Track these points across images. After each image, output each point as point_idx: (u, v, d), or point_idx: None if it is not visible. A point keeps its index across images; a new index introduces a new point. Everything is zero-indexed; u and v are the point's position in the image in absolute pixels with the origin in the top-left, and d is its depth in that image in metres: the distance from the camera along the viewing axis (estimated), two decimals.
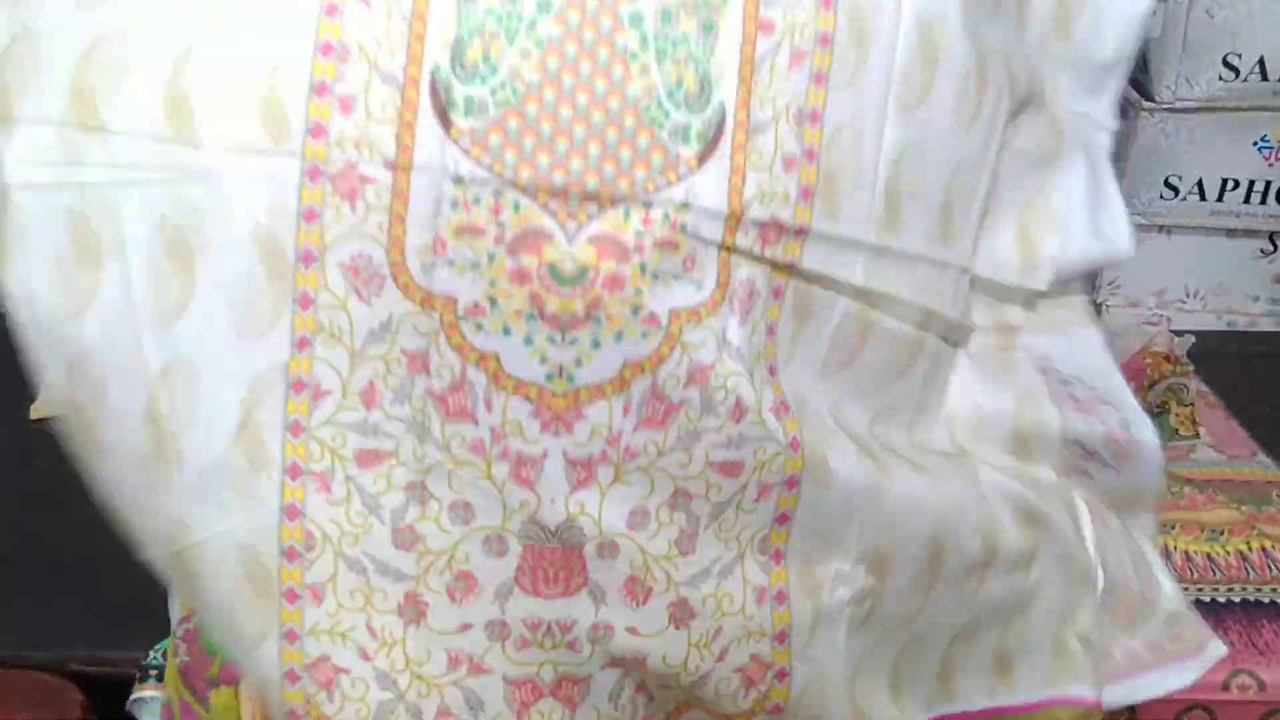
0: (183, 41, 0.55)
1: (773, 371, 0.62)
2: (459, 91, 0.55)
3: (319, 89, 0.55)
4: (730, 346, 0.60)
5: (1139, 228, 1.66)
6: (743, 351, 0.60)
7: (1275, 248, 1.63)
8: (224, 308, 0.56)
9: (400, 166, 0.55)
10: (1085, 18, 0.74)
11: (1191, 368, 1.19)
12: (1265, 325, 1.67)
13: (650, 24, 0.56)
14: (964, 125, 0.66)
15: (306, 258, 0.56)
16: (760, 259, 0.60)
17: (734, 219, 0.58)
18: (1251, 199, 1.57)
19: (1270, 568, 0.90)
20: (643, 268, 0.57)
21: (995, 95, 0.67)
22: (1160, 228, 1.64)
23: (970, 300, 0.77)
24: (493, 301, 0.57)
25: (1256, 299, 1.67)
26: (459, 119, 0.55)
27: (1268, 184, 1.55)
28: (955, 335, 0.75)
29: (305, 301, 0.57)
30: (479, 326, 0.57)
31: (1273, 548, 0.93)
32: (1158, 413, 1.13)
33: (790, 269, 0.61)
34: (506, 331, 0.57)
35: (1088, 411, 0.79)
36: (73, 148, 0.54)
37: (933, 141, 0.64)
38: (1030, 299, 0.80)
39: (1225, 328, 1.67)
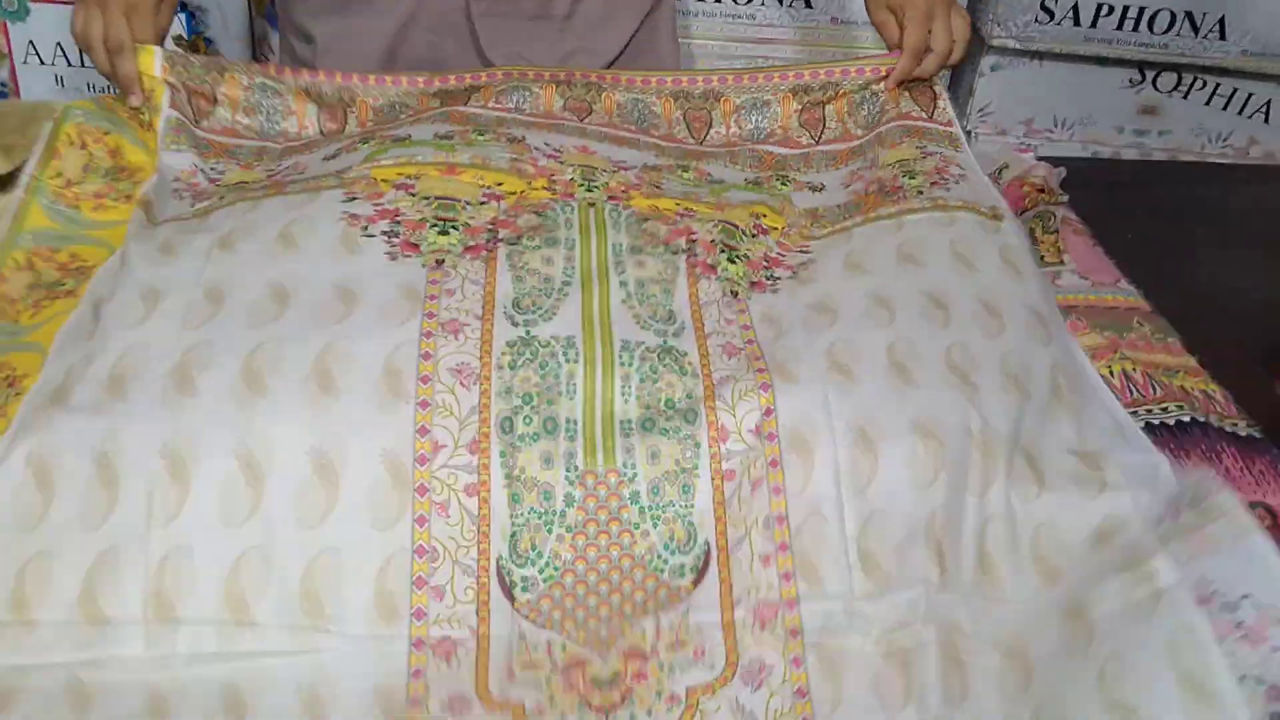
0: (311, 549, 0.77)
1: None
2: (516, 574, 0.78)
3: (418, 583, 0.77)
4: (744, 710, 0.77)
5: (1012, 52, 1.64)
6: (756, 713, 0.77)
7: (1144, 78, 1.63)
8: None
9: (481, 635, 0.77)
10: None
11: (1065, 197, 1.18)
12: (1129, 156, 1.68)
13: (645, 498, 0.79)
14: (924, 487, 0.80)
15: (415, 702, 0.76)
16: (762, 638, 0.78)
17: (728, 618, 0.78)
18: (1125, 25, 1.55)
19: (1131, 390, 0.91)
20: (660, 665, 0.78)
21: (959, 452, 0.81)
22: (1033, 54, 1.62)
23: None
24: (551, 701, 0.77)
25: (1121, 130, 1.68)
26: (519, 594, 0.78)
27: (1141, 10, 1.54)
28: None
29: None
30: (541, 718, 0.77)
31: (1134, 370, 0.93)
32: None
33: (798, 635, 0.78)
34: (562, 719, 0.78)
35: (1259, 640, 0.71)
36: (228, 639, 0.75)
37: (894, 514, 0.80)
38: (1169, 531, 0.78)
39: (1089, 156, 1.68)
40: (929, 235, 0.98)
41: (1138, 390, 0.92)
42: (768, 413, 0.81)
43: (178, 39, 1.50)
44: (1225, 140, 1.66)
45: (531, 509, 0.78)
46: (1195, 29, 1.54)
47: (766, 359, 0.85)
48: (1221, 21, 1.54)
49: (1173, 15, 1.53)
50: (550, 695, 0.78)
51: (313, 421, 0.78)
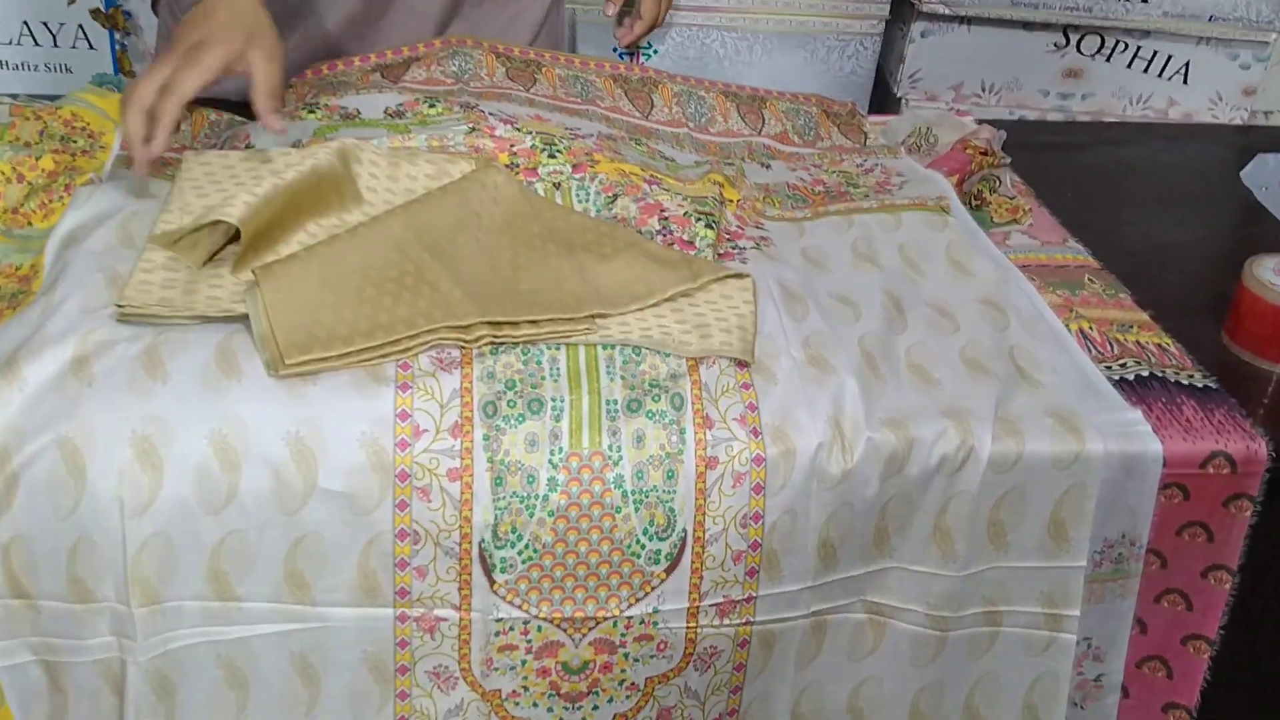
0: (293, 533, 0.77)
1: (736, 691, 0.87)
2: (496, 556, 0.79)
3: (400, 565, 0.78)
4: (690, 690, 0.85)
5: (941, 19, 1.66)
6: (699, 692, 0.85)
7: (1068, 41, 1.66)
8: (345, 708, 0.82)
9: (462, 609, 0.80)
10: None
11: (1008, 160, 1.20)
12: (1054, 119, 1.72)
13: (629, 482, 0.79)
14: (889, 477, 0.83)
15: (402, 670, 0.81)
16: (719, 628, 0.83)
17: (694, 609, 0.82)
18: None
19: (1090, 348, 0.93)
20: (626, 655, 0.83)
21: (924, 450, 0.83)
22: (961, 19, 1.64)
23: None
24: (525, 687, 0.83)
25: (1047, 94, 1.72)
26: (497, 575, 0.79)
27: None
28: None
29: (403, 696, 0.83)
30: (518, 704, 0.84)
31: (1090, 328, 0.95)
32: (976, 205, 1.13)
33: (749, 624, 0.83)
34: (535, 705, 0.84)
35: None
36: (215, 615, 0.78)
37: (857, 503, 0.82)
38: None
39: (1016, 120, 1.71)
40: (879, 235, 1.02)
41: (1095, 348, 0.94)
42: (751, 408, 0.81)
43: (94, 12, 1.45)
44: (1146, 102, 1.70)
45: (514, 493, 0.78)
46: None
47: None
48: None
49: None
50: (524, 681, 0.82)
51: (290, 405, 0.76)
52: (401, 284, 0.82)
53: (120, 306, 0.79)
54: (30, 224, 0.95)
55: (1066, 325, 0.96)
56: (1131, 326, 0.98)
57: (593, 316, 0.84)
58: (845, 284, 0.95)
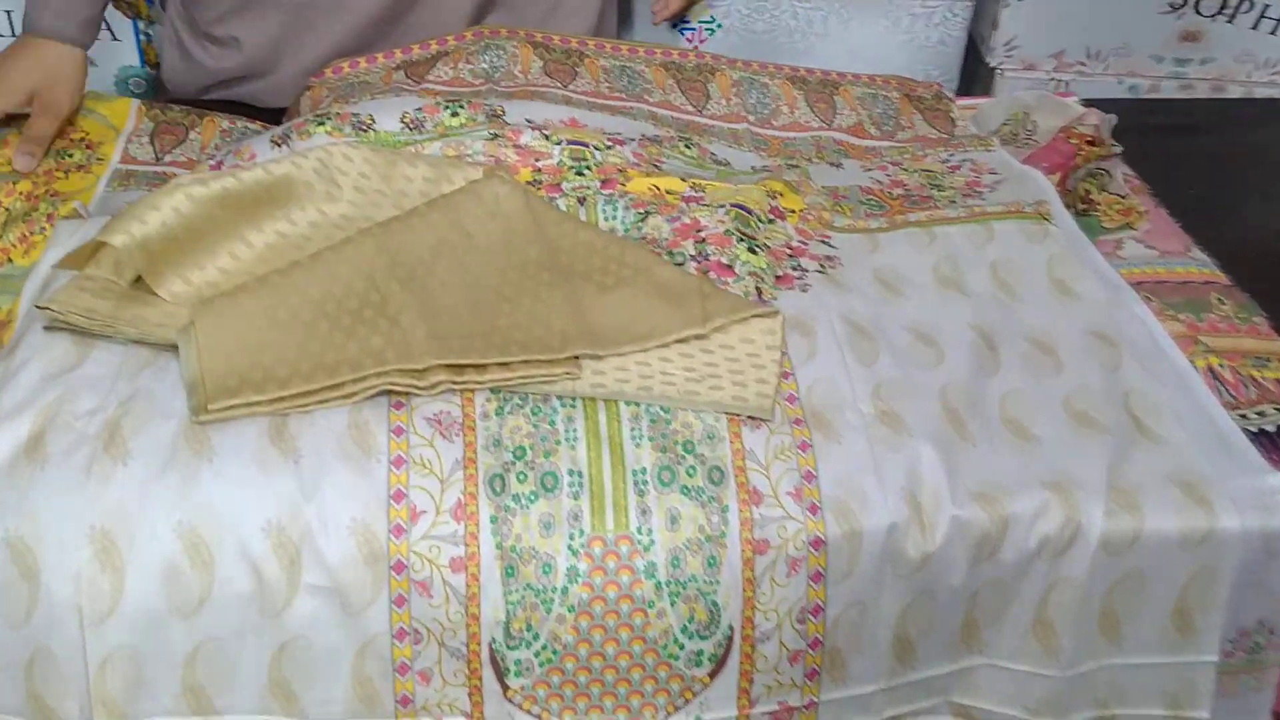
0: (278, 638, 0.66)
1: None
2: (510, 658, 0.67)
3: (400, 669, 0.67)
4: None
5: None
6: None
7: (1185, 1, 1.49)
8: None
9: (473, 719, 0.68)
10: None
11: (1119, 149, 1.04)
12: (1168, 90, 1.54)
13: (663, 572, 0.67)
14: (981, 560, 0.70)
15: None
16: None
17: (744, 718, 0.70)
18: None
19: (1222, 390, 0.79)
20: None
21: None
22: None
23: None
24: None
25: (1160, 60, 1.54)
26: (512, 680, 0.68)
27: None
28: None
29: None
30: None
31: (1221, 366, 0.81)
32: (1082, 209, 0.98)
33: None
34: None
35: None
36: None
37: (940, 592, 0.70)
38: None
39: (1127, 94, 1.54)
40: (967, 252, 0.87)
41: (1228, 391, 0.79)
42: (809, 477, 0.69)
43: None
44: (1275, 67, 1.51)
45: (528, 585, 0.67)
46: None
47: (802, 402, 0.72)
48: None
49: None
50: None
51: (267, 487, 0.66)
52: (359, 318, 0.72)
53: (40, 308, 0.72)
54: (10, 260, 0.86)
55: (1192, 361, 0.81)
56: (1270, 361, 0.83)
57: (576, 358, 0.72)
58: (925, 316, 0.81)
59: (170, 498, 0.65)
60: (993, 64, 1.54)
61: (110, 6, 1.23)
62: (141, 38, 1.37)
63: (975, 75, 1.58)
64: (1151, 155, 1.07)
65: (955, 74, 1.53)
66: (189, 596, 0.64)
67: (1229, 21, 1.49)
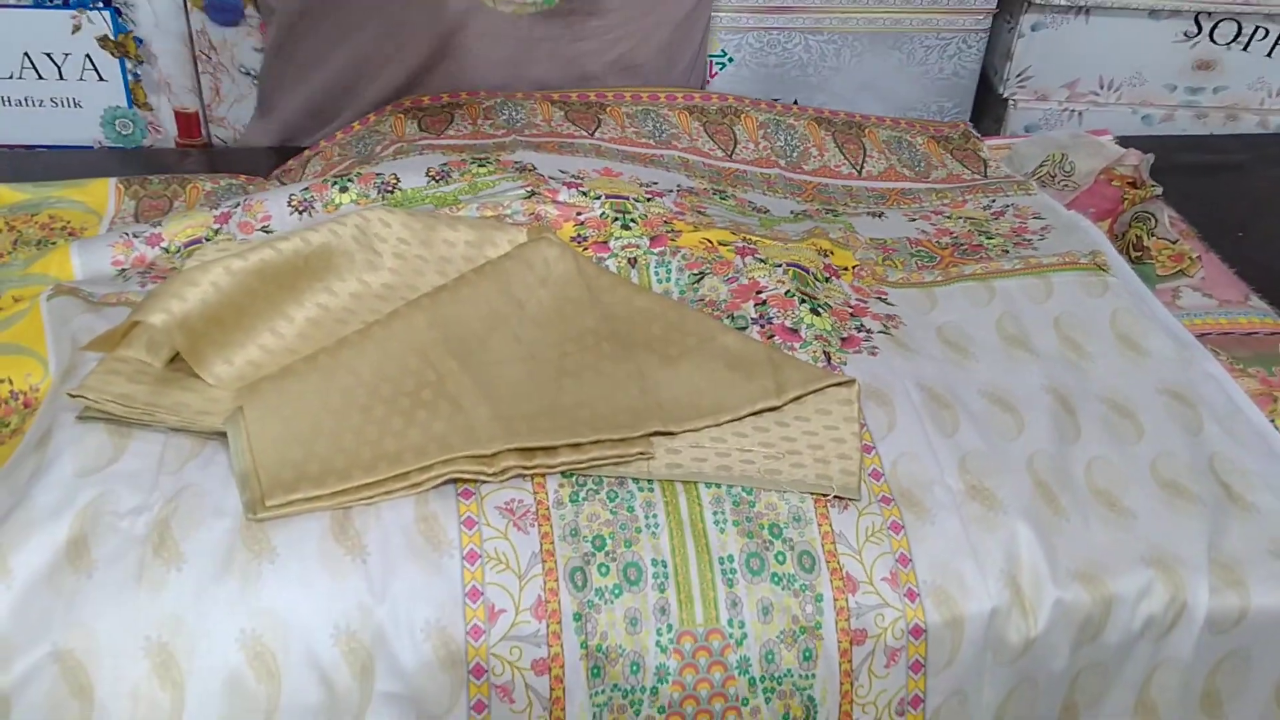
0: None
1: None
2: None
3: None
4: None
5: (1056, 9, 1.47)
6: None
7: (1199, 29, 1.47)
8: None
9: None
10: None
11: (1159, 190, 1.02)
12: (1183, 119, 1.53)
13: (756, 667, 0.63)
14: (1084, 644, 0.67)
15: None
16: None
17: None
18: None
19: None
20: None
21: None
22: (1079, 9, 1.45)
23: None
24: None
25: (1173, 88, 1.52)
26: None
27: None
28: None
29: None
30: None
31: None
32: (1135, 256, 0.95)
33: None
34: None
35: None
36: None
37: (1042, 678, 0.67)
38: None
39: (1141, 124, 1.52)
40: (1027, 308, 0.85)
41: None
42: (903, 561, 0.65)
43: (103, 39, 1.30)
44: None
45: (616, 686, 0.63)
46: None
47: (888, 479, 0.69)
48: None
49: None
50: None
51: (336, 590, 0.62)
52: (417, 399, 0.68)
53: (73, 396, 0.67)
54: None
55: (1272, 420, 0.78)
56: None
57: (651, 435, 0.68)
58: (997, 379, 0.78)
59: (230, 603, 0.61)
60: (1004, 94, 1.52)
61: (97, 46, 1.19)
62: (129, 78, 1.32)
63: (986, 106, 1.56)
64: (1189, 196, 1.05)
65: (968, 106, 1.51)
66: (255, 711, 0.60)
67: (1244, 49, 1.48)
